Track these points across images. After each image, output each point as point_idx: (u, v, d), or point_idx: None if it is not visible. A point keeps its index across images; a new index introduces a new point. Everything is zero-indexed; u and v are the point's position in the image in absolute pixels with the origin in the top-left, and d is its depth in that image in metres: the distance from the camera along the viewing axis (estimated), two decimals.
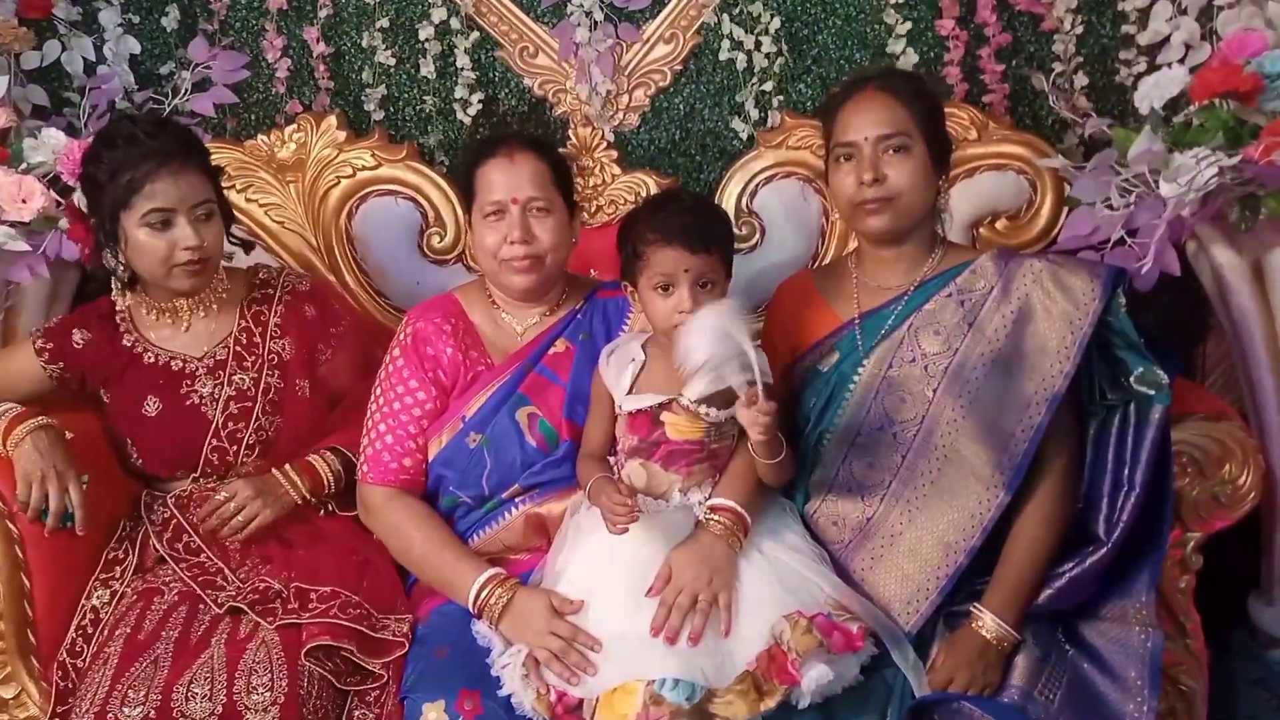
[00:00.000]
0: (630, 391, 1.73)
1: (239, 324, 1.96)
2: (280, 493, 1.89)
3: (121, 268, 1.88)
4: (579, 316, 1.91)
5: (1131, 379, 1.66)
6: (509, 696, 1.62)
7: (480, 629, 1.71)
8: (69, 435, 1.81)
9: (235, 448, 1.92)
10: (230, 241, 1.98)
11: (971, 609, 1.66)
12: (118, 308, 1.98)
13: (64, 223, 2.07)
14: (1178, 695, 1.82)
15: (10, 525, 1.81)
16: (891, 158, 1.73)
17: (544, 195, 1.82)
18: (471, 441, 1.83)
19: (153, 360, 1.94)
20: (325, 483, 1.92)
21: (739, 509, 1.67)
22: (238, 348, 1.94)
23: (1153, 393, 1.65)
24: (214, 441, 1.91)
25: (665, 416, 1.70)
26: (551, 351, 1.88)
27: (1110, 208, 1.94)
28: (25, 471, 1.75)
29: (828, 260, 2.26)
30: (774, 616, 1.58)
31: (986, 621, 1.64)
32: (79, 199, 1.96)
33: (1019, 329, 1.70)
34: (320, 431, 1.98)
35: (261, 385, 1.93)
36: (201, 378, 1.93)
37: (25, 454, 1.76)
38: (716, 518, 1.66)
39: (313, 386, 1.99)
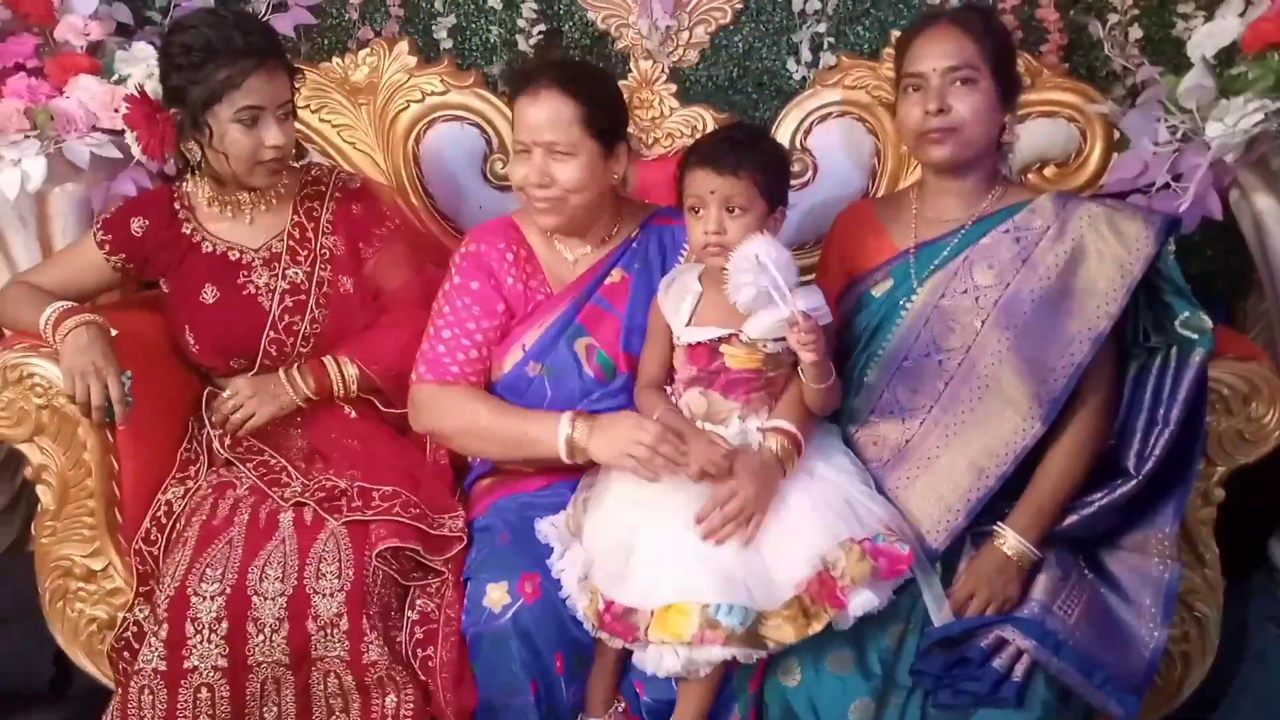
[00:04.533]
0: (689, 323, 1.75)
1: (293, 219, 2.00)
2: (277, 392, 1.93)
3: (203, 160, 1.90)
4: (634, 245, 1.91)
5: (1177, 323, 1.70)
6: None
7: (542, 528, 1.78)
8: (114, 332, 1.82)
9: (292, 340, 1.97)
10: None
11: (995, 527, 1.72)
12: (176, 196, 2.00)
13: (124, 109, 2.02)
14: (1192, 621, 1.89)
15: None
16: (957, 89, 1.76)
17: (564, 139, 1.77)
18: (532, 370, 1.86)
19: (211, 250, 1.98)
20: (335, 386, 1.95)
21: (794, 430, 1.71)
22: (291, 242, 1.99)
23: (1196, 337, 1.69)
24: (272, 334, 1.95)
25: (724, 347, 1.73)
26: (607, 281, 1.89)
27: (1156, 144, 1.96)
28: (68, 366, 1.77)
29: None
30: (820, 542, 1.61)
31: (1009, 538, 1.71)
32: (153, 89, 1.98)
33: (1070, 268, 1.73)
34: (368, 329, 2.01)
35: (315, 279, 1.98)
36: (258, 268, 1.97)
37: (69, 349, 1.78)
38: (772, 439, 1.71)
39: (357, 284, 2.01)
